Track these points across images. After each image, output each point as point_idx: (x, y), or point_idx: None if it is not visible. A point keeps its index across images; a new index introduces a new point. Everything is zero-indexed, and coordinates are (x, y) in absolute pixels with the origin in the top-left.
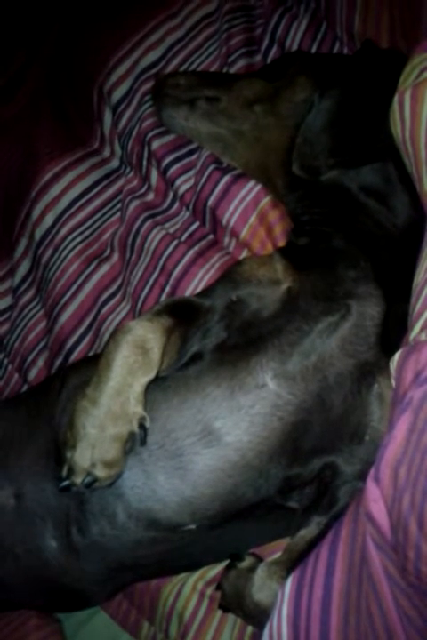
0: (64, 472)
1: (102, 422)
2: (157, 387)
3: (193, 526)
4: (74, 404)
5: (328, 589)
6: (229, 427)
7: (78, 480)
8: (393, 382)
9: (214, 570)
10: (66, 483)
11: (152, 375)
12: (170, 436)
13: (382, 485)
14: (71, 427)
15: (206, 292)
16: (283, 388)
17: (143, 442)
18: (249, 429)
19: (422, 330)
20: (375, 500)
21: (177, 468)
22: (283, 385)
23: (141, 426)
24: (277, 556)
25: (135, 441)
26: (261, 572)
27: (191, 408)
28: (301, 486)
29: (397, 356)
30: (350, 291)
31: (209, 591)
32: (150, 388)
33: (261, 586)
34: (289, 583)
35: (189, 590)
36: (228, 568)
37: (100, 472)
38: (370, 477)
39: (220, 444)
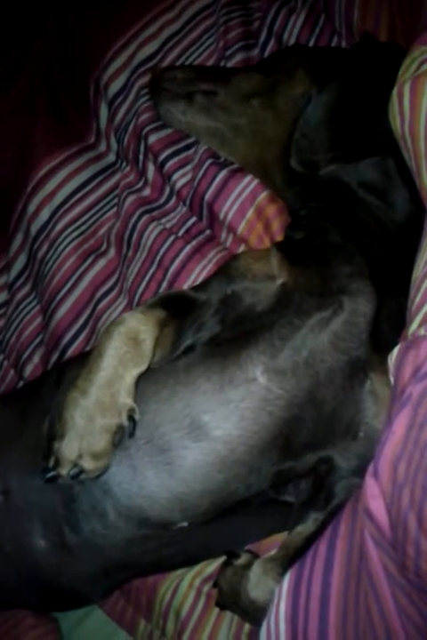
0: (51, 463)
1: (91, 413)
2: (147, 379)
3: (185, 524)
4: (64, 395)
5: (326, 586)
6: (218, 420)
7: (64, 471)
8: (391, 378)
9: (211, 567)
10: (51, 474)
11: (143, 367)
12: (158, 430)
13: (381, 482)
14: (60, 417)
15: (202, 286)
16: (273, 382)
17: (132, 434)
18: (239, 424)
19: (421, 324)
20: (374, 496)
21: (165, 463)
22: (273, 379)
23: (131, 418)
24: (273, 552)
25: (124, 433)
26: (256, 568)
27: (180, 401)
28: (294, 479)
29: (395, 351)
30: (343, 286)
31: (206, 588)
32: (141, 380)
33: (256, 583)
34: (287, 580)
35: (186, 587)
36: (224, 565)
37: (87, 464)
38: (369, 473)
39: (208, 438)
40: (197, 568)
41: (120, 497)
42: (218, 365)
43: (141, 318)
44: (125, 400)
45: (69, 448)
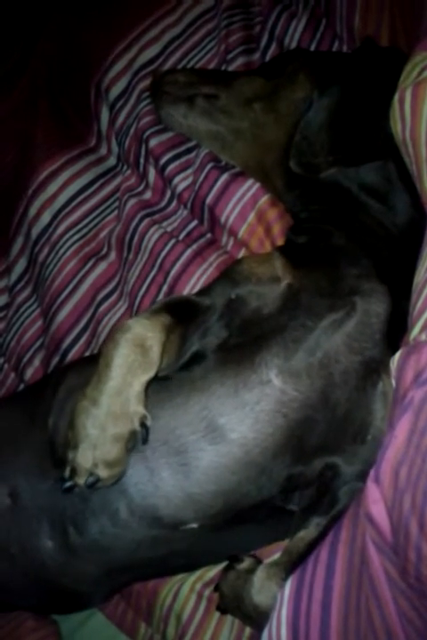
0: (66, 473)
1: (103, 422)
2: (160, 386)
3: (195, 525)
4: (74, 404)
5: (328, 591)
6: (234, 423)
7: (81, 481)
8: (393, 382)
9: (212, 571)
10: (69, 484)
11: (152, 374)
12: (174, 433)
13: (383, 486)
14: (72, 427)
15: (206, 291)
16: (288, 384)
17: (145, 440)
18: (254, 426)
19: (422, 330)
20: (376, 501)
21: (181, 465)
22: (288, 381)
23: (143, 424)
24: (276, 557)
25: (137, 440)
26: (260, 573)
27: (195, 405)
28: (302, 487)
29: (397, 355)
30: (354, 287)
31: (207, 592)
32: (154, 387)
33: (260, 587)
34: (289, 585)
35: (187, 591)
36: (226, 569)
37: (103, 472)
38: (370, 478)
39: (224, 440)
40: (197, 572)
41: (135, 497)
42: (232, 370)
43: (147, 324)
44: (136, 408)
45: (84, 457)
